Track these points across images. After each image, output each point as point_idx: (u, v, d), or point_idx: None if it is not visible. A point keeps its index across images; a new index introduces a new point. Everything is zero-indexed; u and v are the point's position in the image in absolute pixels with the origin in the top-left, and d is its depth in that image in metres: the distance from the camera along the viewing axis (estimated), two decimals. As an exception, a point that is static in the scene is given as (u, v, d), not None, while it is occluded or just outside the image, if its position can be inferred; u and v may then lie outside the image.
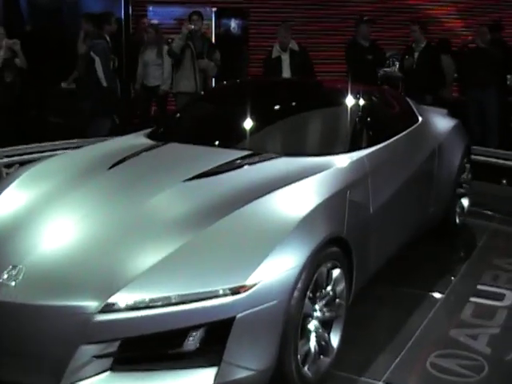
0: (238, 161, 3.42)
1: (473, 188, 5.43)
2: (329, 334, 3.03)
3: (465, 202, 5.27)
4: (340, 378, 3.07)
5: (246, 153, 3.54)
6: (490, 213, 5.87)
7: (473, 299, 4.01)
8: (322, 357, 2.97)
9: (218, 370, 2.45)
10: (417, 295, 4.04)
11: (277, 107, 4.02)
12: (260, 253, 2.59)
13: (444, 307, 3.91)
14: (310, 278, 2.74)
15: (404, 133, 4.25)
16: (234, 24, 9.94)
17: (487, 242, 5.14)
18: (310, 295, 2.79)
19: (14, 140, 6.33)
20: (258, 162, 3.43)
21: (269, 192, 2.99)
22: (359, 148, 3.64)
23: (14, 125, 7.16)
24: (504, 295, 4.08)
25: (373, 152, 3.69)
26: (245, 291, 2.48)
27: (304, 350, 2.82)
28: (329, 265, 2.93)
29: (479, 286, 4.22)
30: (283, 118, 3.99)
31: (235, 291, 2.47)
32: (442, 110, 5.54)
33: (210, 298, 2.44)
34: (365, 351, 3.32)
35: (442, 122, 4.97)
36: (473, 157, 5.57)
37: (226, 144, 3.69)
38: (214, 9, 9.87)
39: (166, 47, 7.67)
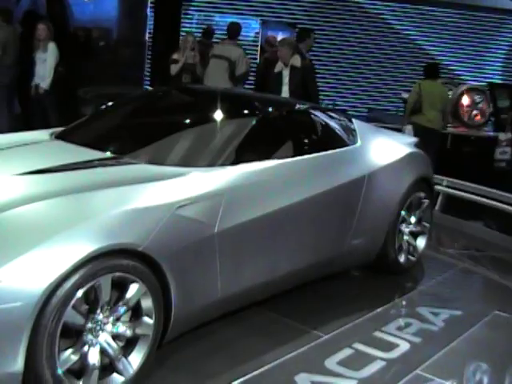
0: (93, 162, 3.38)
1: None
2: (128, 352, 2.88)
3: (420, 241, 4.80)
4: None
5: (106, 155, 3.49)
6: (459, 255, 5.37)
7: (356, 345, 3.60)
8: (114, 375, 2.83)
9: None
10: (298, 330, 3.70)
11: (165, 116, 3.95)
12: (17, 250, 2.53)
13: (317, 348, 3.54)
14: (76, 288, 2.61)
15: (315, 154, 3.96)
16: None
17: (430, 288, 4.65)
18: (80, 306, 2.66)
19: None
20: (108, 165, 3.37)
21: (77, 193, 2.91)
22: (230, 163, 3.44)
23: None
24: (397, 346, 3.65)
25: (247, 169, 3.46)
26: None
27: (72, 362, 2.68)
28: (119, 278, 2.78)
29: (376, 333, 3.79)
30: (167, 127, 3.88)
31: None
32: (413, 139, 5.14)
33: None
34: (183, 376, 3.11)
35: (391, 151, 4.55)
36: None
37: (100, 146, 3.61)
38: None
39: None
